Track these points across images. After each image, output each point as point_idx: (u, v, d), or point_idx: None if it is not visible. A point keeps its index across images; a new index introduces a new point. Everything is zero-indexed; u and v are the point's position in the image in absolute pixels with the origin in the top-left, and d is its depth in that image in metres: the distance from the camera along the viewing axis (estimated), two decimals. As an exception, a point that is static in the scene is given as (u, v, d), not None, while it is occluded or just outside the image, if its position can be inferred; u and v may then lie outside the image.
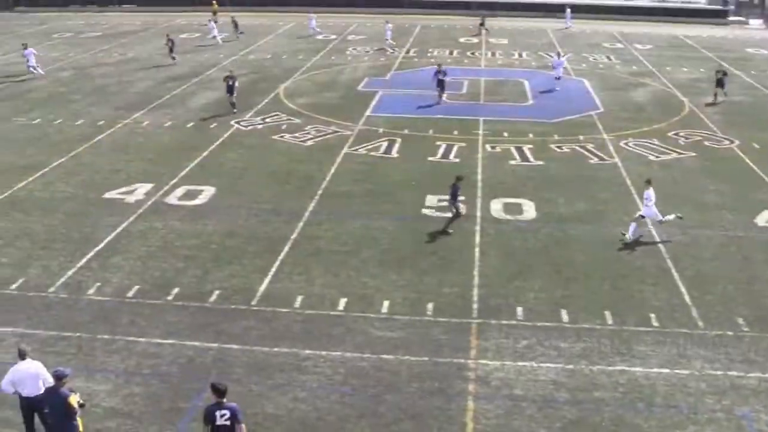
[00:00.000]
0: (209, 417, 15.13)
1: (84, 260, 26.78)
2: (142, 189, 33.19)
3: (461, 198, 30.17)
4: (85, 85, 53.51)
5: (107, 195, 32.67)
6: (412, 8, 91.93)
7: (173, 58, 60.39)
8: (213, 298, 24.15)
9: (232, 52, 65.79)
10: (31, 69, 55.62)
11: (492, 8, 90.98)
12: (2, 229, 29.64)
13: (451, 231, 29.03)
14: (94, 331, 22.31)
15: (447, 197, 30.00)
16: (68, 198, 32.58)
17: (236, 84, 45.51)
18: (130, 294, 24.42)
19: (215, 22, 73.93)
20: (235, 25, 74.31)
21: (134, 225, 29.68)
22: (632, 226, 28.60)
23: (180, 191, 32.97)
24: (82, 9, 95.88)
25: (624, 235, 28.48)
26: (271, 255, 26.99)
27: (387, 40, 68.43)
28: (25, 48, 56.79)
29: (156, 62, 61.32)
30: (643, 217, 28.81)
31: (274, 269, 25.98)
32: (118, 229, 29.23)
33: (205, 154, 37.78)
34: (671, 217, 29.14)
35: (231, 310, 23.48)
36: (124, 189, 33.26)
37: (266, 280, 25.23)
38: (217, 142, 39.52)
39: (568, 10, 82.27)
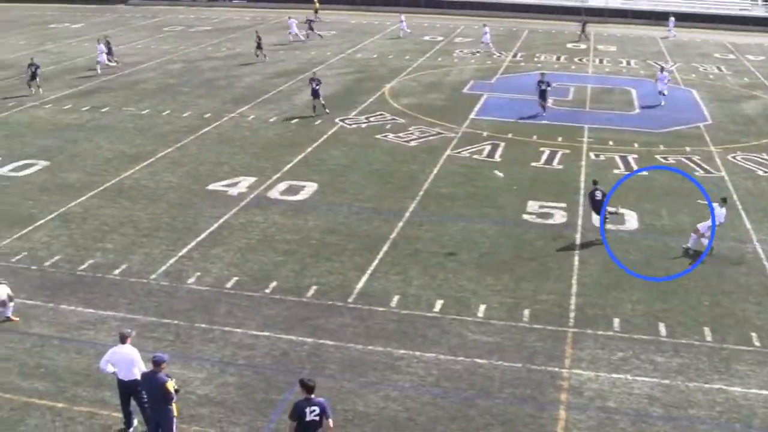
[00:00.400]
0: (298, 412, 15.16)
1: (185, 250, 27.25)
2: (245, 182, 33.63)
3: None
4: (193, 78, 54.46)
5: (211, 187, 33.19)
6: (520, 12, 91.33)
7: (263, 56, 60.87)
8: (310, 293, 24.31)
9: (339, 50, 66.26)
10: (101, 63, 56.59)
11: (601, 14, 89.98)
12: (108, 215, 30.35)
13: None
14: (192, 320, 22.68)
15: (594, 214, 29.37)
16: (173, 188, 33.19)
17: (320, 86, 45.03)
18: (229, 285, 24.75)
19: (313, 22, 74.38)
20: (309, 24, 74.59)
21: (236, 217, 30.08)
22: (693, 237, 28.24)
23: (282, 186, 33.30)
24: (193, 3, 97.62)
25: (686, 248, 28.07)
26: (370, 253, 27.08)
27: (484, 43, 68.08)
28: (100, 43, 57.87)
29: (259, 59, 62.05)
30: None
31: (372, 268, 26.05)
32: (220, 221, 29.67)
33: (308, 150, 38.09)
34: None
35: (327, 306, 23.60)
36: (227, 181, 33.75)
37: (364, 278, 25.31)
38: (321, 139, 39.81)
39: (672, 19, 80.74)
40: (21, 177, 34.85)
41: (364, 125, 42.63)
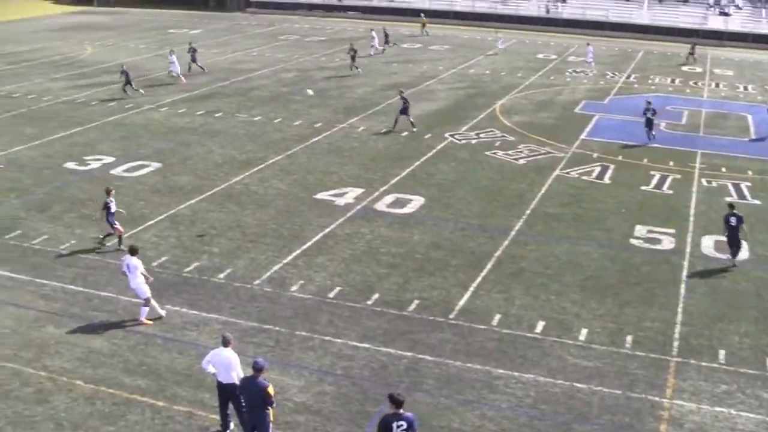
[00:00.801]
0: (386, 427, 15.12)
1: (290, 257, 27.54)
2: (352, 193, 33.87)
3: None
4: (306, 87, 55.02)
5: (318, 196, 33.51)
6: (635, 33, 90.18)
7: (356, 68, 61.06)
8: (412, 307, 24.33)
9: (451, 65, 66.29)
10: (173, 74, 57.10)
11: (720, 38, 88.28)
12: (217, 219, 30.88)
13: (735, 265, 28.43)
14: (293, 327, 22.90)
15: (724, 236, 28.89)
16: (281, 195, 33.61)
17: (408, 105, 44.80)
18: (332, 295, 24.92)
19: (389, 36, 74.75)
20: (386, 36, 74.46)
21: (341, 227, 30.30)
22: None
23: (389, 198, 33.44)
24: (309, 13, 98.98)
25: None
26: (474, 270, 26.98)
27: (587, 62, 67.32)
28: (172, 54, 58.22)
29: (376, 69, 62.47)
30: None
31: (475, 285, 25.95)
32: (326, 230, 29.92)
33: (417, 164, 38.17)
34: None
35: (428, 321, 23.58)
36: (334, 191, 34.04)
37: (466, 295, 25.23)
38: (430, 154, 39.86)
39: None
40: (134, 177, 35.74)
41: (473, 141, 42.54)
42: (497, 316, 23.93)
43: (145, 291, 23.19)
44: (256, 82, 56.83)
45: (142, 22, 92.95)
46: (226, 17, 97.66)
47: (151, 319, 23.21)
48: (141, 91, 51.91)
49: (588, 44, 70.09)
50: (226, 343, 17.73)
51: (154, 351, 21.68)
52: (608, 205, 33.71)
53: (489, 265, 27.40)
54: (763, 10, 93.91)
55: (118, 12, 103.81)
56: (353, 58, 61.16)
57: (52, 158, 38.78)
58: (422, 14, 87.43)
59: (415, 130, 44.37)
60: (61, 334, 22.64)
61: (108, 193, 28.24)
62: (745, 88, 63.71)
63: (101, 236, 28.44)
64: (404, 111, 44.24)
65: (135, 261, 23.17)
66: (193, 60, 59.81)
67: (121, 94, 51.34)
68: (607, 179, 37.17)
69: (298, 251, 28.05)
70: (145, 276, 23.23)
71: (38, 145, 40.99)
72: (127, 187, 33.88)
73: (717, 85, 64.14)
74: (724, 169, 39.69)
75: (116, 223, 28.06)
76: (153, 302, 23.31)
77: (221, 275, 26.11)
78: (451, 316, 23.88)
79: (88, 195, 33.12)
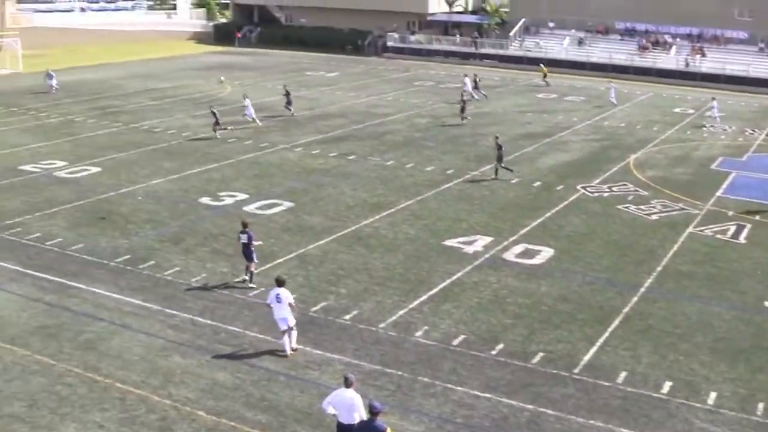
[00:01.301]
0: None
1: (416, 302, 27.59)
2: (481, 241, 33.78)
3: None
4: (439, 133, 55.32)
5: (447, 242, 33.54)
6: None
7: (466, 118, 60.89)
8: (536, 359, 24.05)
9: (587, 116, 65.74)
10: (248, 118, 57.12)
11: None
12: (345, 260, 31.19)
13: None
14: (415, 373, 22.89)
15: None
16: (410, 240, 33.76)
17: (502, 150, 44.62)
18: (456, 342, 24.83)
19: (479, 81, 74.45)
20: (476, 83, 73.95)
21: (469, 275, 30.22)
22: None
23: (518, 248, 33.22)
24: (445, 60, 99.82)
25: None
26: (601, 325, 26.52)
27: (711, 117, 65.91)
28: (246, 98, 57.98)
29: (510, 118, 62.47)
30: None
31: (601, 340, 25.49)
32: (453, 277, 29.89)
33: (547, 214, 37.87)
34: None
35: (552, 374, 23.26)
36: (463, 239, 34.01)
37: (592, 350, 24.79)
38: (561, 205, 39.51)
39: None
40: (266, 215, 36.44)
41: (605, 194, 41.98)
42: (623, 374, 23.43)
43: (292, 320, 23.78)
44: (390, 127, 57.45)
45: (280, 63, 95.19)
46: (363, 61, 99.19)
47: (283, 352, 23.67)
48: (230, 128, 53.21)
49: (713, 98, 68.82)
50: (348, 383, 17.81)
51: (276, 387, 21.96)
52: (743, 265, 32.76)
53: (616, 321, 26.90)
54: None
55: (257, 53, 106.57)
56: (463, 109, 60.96)
57: (188, 192, 39.88)
58: (542, 64, 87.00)
59: (512, 170, 44.48)
60: (188, 365, 23.14)
61: (245, 226, 28.92)
62: None
63: (246, 276, 29.03)
64: (499, 158, 44.20)
65: (285, 292, 23.80)
66: (288, 103, 61.15)
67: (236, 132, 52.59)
68: (742, 239, 36.16)
69: (425, 297, 28.09)
70: (291, 306, 23.76)
71: (176, 179, 42.25)
72: (259, 225, 34.47)
73: None
74: None
75: (255, 257, 28.71)
76: (290, 335, 23.91)
77: (347, 316, 26.33)
78: (575, 371, 23.50)
79: (221, 230, 33.91)
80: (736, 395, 22.71)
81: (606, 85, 73.13)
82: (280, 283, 24.09)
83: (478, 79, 74.46)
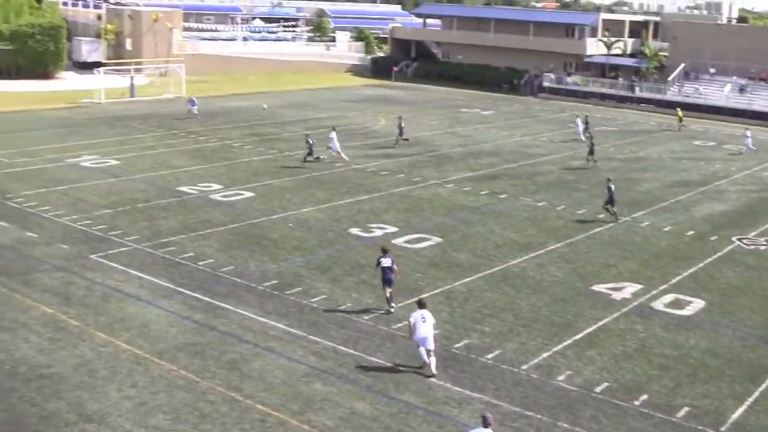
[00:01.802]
0: None
1: (560, 346, 27.22)
2: (630, 288, 33.12)
3: None
4: (592, 176, 54.65)
5: (595, 287, 33.01)
6: None
7: (593, 161, 59.57)
8: (681, 413, 23.35)
9: (745, 165, 63.84)
10: (332, 152, 55.45)
11: None
12: (490, 299, 31.06)
13: None
14: (555, 417, 22.57)
15: None
16: (557, 282, 33.37)
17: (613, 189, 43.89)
18: (598, 389, 24.36)
19: (588, 124, 72.59)
20: (586, 124, 72.05)
21: (616, 322, 29.64)
22: None
23: (668, 298, 32.42)
24: (600, 102, 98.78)
25: None
26: (752, 384, 25.55)
27: (746, 147, 63.00)
28: (332, 131, 56.45)
29: (666, 165, 61.27)
30: None
31: (751, 399, 24.55)
32: (599, 323, 29.38)
33: (700, 265, 36.86)
34: None
35: (697, 430, 22.55)
36: (612, 284, 33.41)
37: (740, 409, 23.91)
38: (715, 256, 38.40)
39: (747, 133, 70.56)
40: (414, 249, 36.61)
41: (762, 247, 40.61)
42: (774, 435, 22.64)
43: (432, 344, 24.41)
44: (543, 167, 57.09)
45: (435, 99, 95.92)
46: (518, 100, 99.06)
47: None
48: (322, 156, 54.20)
49: (747, 129, 67.18)
50: (486, 423, 17.72)
51: (414, 422, 21.96)
52: None
53: (768, 380, 26.02)
54: None
55: (413, 87, 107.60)
56: (591, 152, 59.92)
57: (338, 222, 40.45)
58: (678, 108, 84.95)
59: (618, 220, 43.54)
60: (328, 392, 23.39)
61: (384, 252, 29.25)
62: None
63: (390, 307, 29.31)
64: (609, 200, 43.55)
65: (429, 314, 24.57)
66: (400, 133, 61.84)
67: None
68: None
69: (569, 341, 27.68)
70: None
71: (326, 208, 42.90)
72: (406, 258, 34.67)
73: None
74: None
75: (392, 282, 29.00)
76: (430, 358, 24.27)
77: (489, 356, 26.15)
78: (722, 429, 22.72)
79: (369, 261, 34.13)
80: None
81: (743, 132, 70.99)
82: (422, 305, 24.98)
83: (588, 123, 73.28)
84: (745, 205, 49.49)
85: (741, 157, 67.36)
